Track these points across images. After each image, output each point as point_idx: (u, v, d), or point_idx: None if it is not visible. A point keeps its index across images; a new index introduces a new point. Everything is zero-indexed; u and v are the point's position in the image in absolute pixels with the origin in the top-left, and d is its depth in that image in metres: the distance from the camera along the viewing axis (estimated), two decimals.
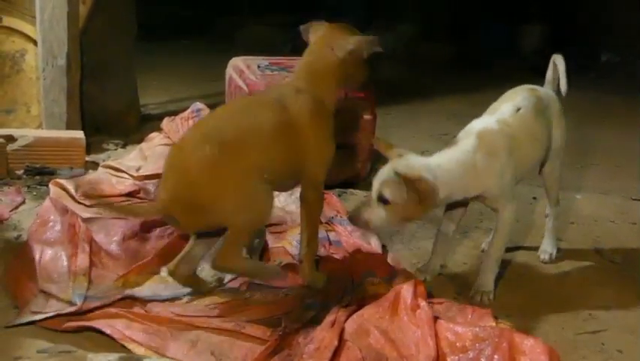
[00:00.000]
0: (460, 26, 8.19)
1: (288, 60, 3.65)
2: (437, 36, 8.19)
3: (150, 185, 2.92)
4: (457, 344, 1.72)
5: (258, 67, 3.37)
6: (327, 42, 2.10)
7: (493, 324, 1.87)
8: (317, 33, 2.15)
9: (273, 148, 1.94)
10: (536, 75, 7.69)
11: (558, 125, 2.45)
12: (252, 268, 2.07)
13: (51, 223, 2.26)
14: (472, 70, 7.34)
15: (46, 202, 2.45)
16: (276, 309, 1.94)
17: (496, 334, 1.70)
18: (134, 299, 1.96)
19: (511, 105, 2.34)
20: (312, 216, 2.13)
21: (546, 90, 2.51)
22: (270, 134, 1.94)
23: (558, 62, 2.55)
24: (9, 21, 3.37)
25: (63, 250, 2.13)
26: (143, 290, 2.01)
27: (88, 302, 1.87)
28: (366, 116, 3.21)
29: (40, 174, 3.07)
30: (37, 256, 2.09)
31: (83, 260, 2.06)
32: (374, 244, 2.52)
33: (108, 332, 1.75)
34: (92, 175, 3.05)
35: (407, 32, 8.34)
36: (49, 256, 2.10)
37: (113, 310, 1.83)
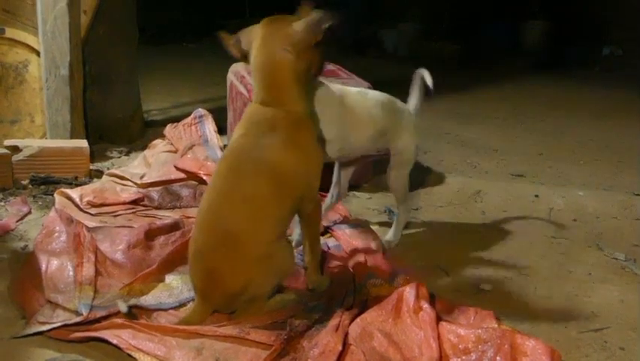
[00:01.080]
0: (462, 24, 8.19)
1: None
2: (439, 34, 8.20)
3: (154, 192, 2.95)
4: (460, 346, 1.73)
5: None
6: (274, 42, 1.91)
7: (496, 325, 1.88)
8: (255, 36, 1.95)
9: (277, 203, 1.94)
10: (539, 71, 7.74)
11: (405, 138, 2.56)
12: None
13: (56, 234, 2.28)
14: (474, 68, 7.35)
15: (52, 213, 2.47)
16: (280, 314, 1.96)
17: (498, 335, 1.71)
18: (139, 308, 1.99)
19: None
20: (312, 225, 2.13)
21: (403, 104, 2.66)
22: (268, 194, 1.91)
23: (424, 74, 2.71)
24: (12, 32, 3.40)
25: (69, 259, 2.16)
26: (148, 299, 2.03)
27: (94, 312, 1.89)
28: None
29: (45, 184, 3.10)
30: (43, 267, 2.12)
31: (88, 270, 2.09)
32: (374, 246, 2.54)
33: (115, 342, 1.77)
34: (96, 184, 3.08)
35: (410, 31, 8.36)
36: (55, 266, 2.13)
37: (118, 320, 1.85)
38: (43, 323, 1.85)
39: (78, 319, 1.87)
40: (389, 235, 2.66)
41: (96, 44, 3.63)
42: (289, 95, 1.94)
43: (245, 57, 2.00)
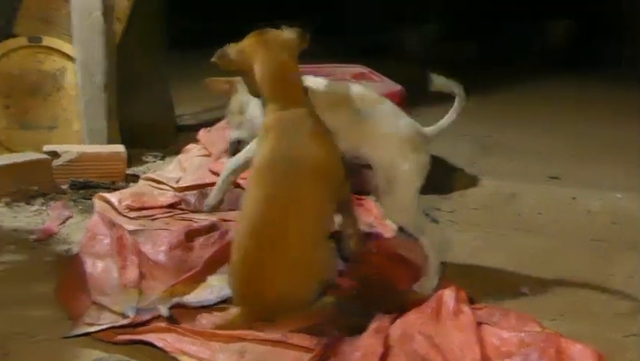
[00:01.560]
0: (482, 24, 8.14)
1: (318, 68, 3.69)
2: (459, 35, 8.16)
3: (190, 196, 2.98)
4: (503, 348, 1.73)
5: None
6: (278, 50, 2.03)
7: (539, 329, 1.87)
8: (252, 48, 2.05)
9: (322, 198, 1.99)
10: (560, 72, 7.61)
11: (386, 150, 2.18)
12: None
13: (100, 237, 2.32)
14: (495, 68, 7.29)
15: (94, 217, 2.52)
16: (320, 318, 1.97)
17: (542, 339, 1.71)
18: (182, 308, 2.01)
19: None
20: (352, 208, 2.26)
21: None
22: (314, 191, 1.97)
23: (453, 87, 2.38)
24: (49, 41, 3.47)
25: (113, 262, 2.19)
26: (190, 298, 2.06)
27: (140, 315, 1.92)
28: None
29: (84, 188, 3.15)
30: (88, 269, 2.16)
31: (132, 272, 2.12)
32: (412, 249, 2.54)
33: (160, 345, 1.80)
34: (134, 188, 3.12)
35: (430, 32, 8.33)
36: (101, 268, 2.17)
37: (162, 324, 1.88)
38: (91, 325, 1.89)
39: (125, 321, 1.90)
40: (423, 283, 2.19)
41: (128, 50, 3.68)
42: (299, 94, 2.06)
43: (235, 68, 2.09)
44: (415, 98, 3.32)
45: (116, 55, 3.53)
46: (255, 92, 2.09)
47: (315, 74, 3.41)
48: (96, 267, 2.17)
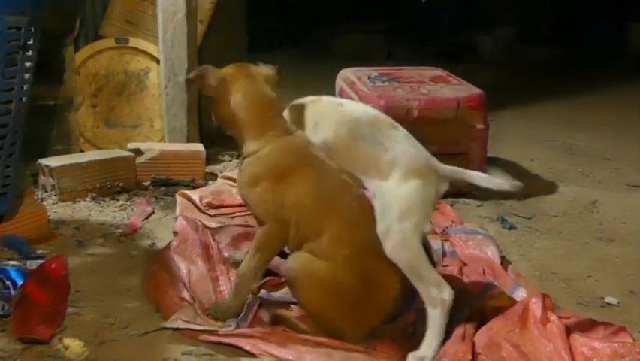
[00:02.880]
0: (563, 27, 7.93)
1: (396, 70, 3.70)
2: (540, 38, 7.98)
3: None
4: (594, 360, 1.69)
5: (369, 78, 3.43)
6: (262, 82, 2.05)
7: (630, 340, 1.82)
8: (233, 78, 2.03)
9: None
10: None
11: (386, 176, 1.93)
12: None
13: (190, 241, 2.37)
14: (577, 72, 7.10)
15: (180, 220, 2.58)
16: (402, 324, 1.98)
17: (637, 351, 1.66)
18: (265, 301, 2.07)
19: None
20: None
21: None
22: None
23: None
24: (135, 42, 3.60)
25: (206, 270, 2.22)
26: (274, 294, 2.10)
27: (241, 327, 1.94)
28: (479, 126, 3.19)
29: (165, 185, 3.26)
30: (184, 273, 2.19)
31: (225, 283, 2.16)
32: (491, 254, 2.51)
33: (247, 348, 1.82)
34: (213, 186, 3.20)
35: (506, 35, 8.18)
36: (195, 277, 2.18)
37: (248, 331, 1.90)
38: (188, 322, 1.92)
39: (228, 330, 1.91)
40: (421, 349, 1.81)
41: (209, 52, 3.77)
42: (284, 126, 2.05)
43: (208, 93, 2.08)
44: (491, 102, 3.29)
45: (197, 56, 3.62)
46: (223, 121, 2.07)
47: (394, 76, 3.47)
48: (192, 274, 2.19)
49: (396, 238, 1.84)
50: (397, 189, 1.88)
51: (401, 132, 2.02)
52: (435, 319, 1.80)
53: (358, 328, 1.89)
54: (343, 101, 2.22)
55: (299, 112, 2.12)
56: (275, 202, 1.95)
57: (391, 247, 1.85)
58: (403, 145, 1.96)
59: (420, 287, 1.84)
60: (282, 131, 2.01)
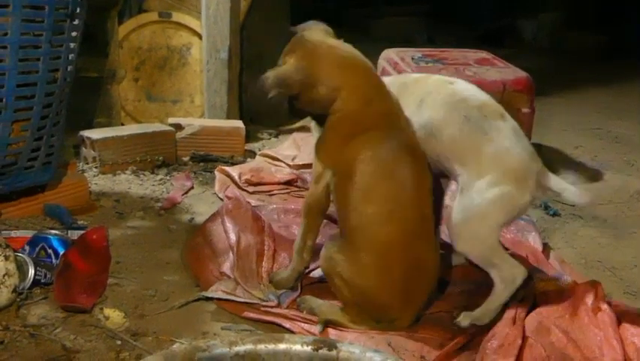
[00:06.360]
0: (611, 14, 7.71)
1: (440, 52, 3.63)
2: (585, 24, 7.78)
3: (307, 174, 3.01)
4: None
5: (412, 59, 3.37)
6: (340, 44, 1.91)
7: None
8: (306, 64, 1.81)
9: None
10: None
11: (477, 166, 1.82)
12: None
13: (243, 209, 2.35)
14: (623, 60, 6.92)
15: (232, 188, 2.58)
16: (445, 307, 1.95)
17: None
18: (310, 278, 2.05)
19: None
20: None
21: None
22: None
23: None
24: (178, 17, 3.59)
25: (254, 243, 2.18)
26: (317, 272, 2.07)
27: (282, 304, 1.93)
28: (525, 110, 3.11)
29: (204, 161, 3.26)
30: (232, 239, 2.18)
31: (268, 262, 2.13)
32: (533, 241, 2.46)
33: (287, 326, 1.81)
34: (252, 163, 3.19)
35: (550, 20, 8.01)
36: (243, 247, 2.15)
37: (289, 313, 1.88)
38: (228, 293, 1.92)
39: (270, 303, 1.92)
40: (474, 313, 1.85)
41: (252, 30, 3.76)
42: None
43: (297, 91, 1.84)
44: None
45: (239, 32, 3.60)
46: (319, 109, 1.88)
47: (438, 58, 3.40)
48: (240, 240, 2.16)
49: (470, 236, 1.82)
50: (487, 192, 1.77)
51: (509, 124, 1.85)
52: (499, 293, 1.82)
53: (408, 307, 1.83)
54: (455, 79, 2.01)
55: (404, 87, 1.97)
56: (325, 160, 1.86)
57: (464, 241, 1.83)
58: (509, 140, 1.80)
59: (491, 271, 1.84)
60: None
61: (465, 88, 1.94)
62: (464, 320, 1.83)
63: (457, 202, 1.83)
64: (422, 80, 2.00)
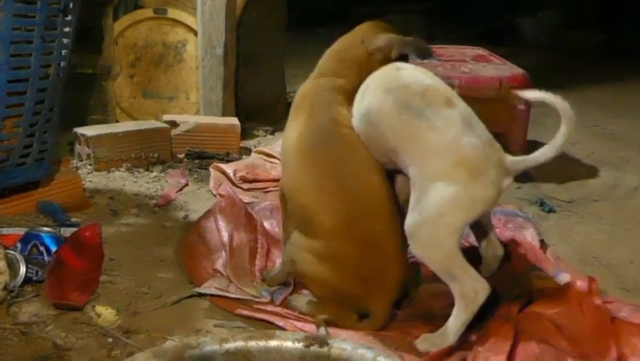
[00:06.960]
0: (610, 13, 7.70)
1: (437, 48, 3.61)
2: (585, 23, 7.77)
3: None
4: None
5: None
6: (360, 35, 2.02)
7: None
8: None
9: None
10: None
11: (425, 163, 1.66)
12: None
13: (237, 207, 2.33)
14: (622, 59, 6.91)
15: (225, 186, 2.55)
16: (436, 303, 1.93)
17: None
18: None
19: None
20: None
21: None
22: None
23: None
24: (174, 13, 3.58)
25: (247, 241, 2.17)
26: None
27: (275, 301, 1.92)
28: (521, 106, 3.11)
29: (199, 158, 3.25)
30: (224, 237, 2.17)
31: (261, 261, 2.12)
32: (530, 237, 2.45)
33: (280, 324, 1.79)
34: (247, 160, 3.18)
35: (550, 19, 8.00)
36: (236, 243, 2.14)
37: (282, 311, 1.86)
38: (221, 290, 1.91)
39: (263, 300, 1.91)
40: (431, 338, 1.66)
41: (249, 26, 3.74)
42: (345, 76, 2.02)
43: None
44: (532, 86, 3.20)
45: (236, 29, 3.59)
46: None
47: (435, 54, 3.39)
48: (232, 238, 2.15)
49: (427, 237, 1.61)
50: (439, 188, 1.59)
51: (457, 112, 1.66)
52: (459, 312, 1.62)
53: (378, 296, 1.76)
54: (408, 66, 1.85)
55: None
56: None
57: (420, 245, 1.63)
58: (455, 129, 1.63)
59: (451, 285, 1.63)
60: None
61: (411, 74, 1.79)
62: (422, 343, 1.65)
63: (411, 200, 1.65)
64: (381, 70, 1.87)
